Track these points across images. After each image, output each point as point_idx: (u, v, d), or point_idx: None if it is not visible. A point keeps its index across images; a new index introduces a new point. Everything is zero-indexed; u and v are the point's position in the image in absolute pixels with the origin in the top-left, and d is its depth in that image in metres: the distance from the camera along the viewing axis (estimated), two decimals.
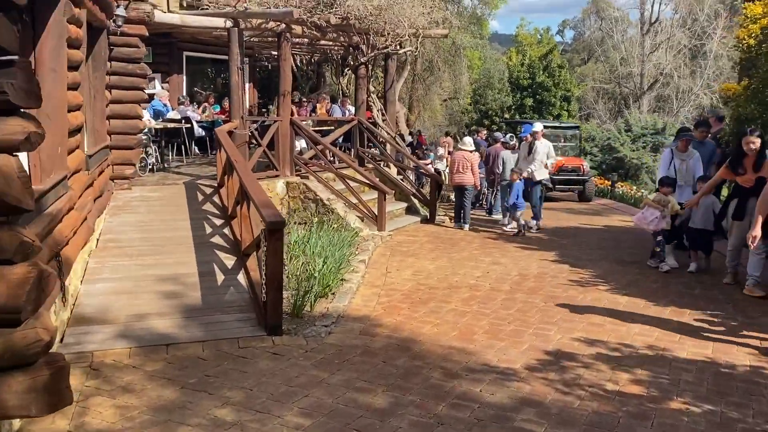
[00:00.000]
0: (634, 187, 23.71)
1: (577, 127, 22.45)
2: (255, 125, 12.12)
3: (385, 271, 8.57)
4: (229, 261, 7.55)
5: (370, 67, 13.53)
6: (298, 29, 11.42)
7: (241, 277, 7.07)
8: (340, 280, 7.64)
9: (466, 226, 12.49)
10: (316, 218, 10.58)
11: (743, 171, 7.80)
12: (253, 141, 11.52)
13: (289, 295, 6.69)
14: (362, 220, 11.27)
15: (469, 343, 5.84)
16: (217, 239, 8.29)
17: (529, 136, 12.94)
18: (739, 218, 7.90)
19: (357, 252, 9.36)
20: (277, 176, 11.39)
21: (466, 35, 31.05)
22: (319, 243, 8.46)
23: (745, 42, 10.53)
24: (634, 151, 31.02)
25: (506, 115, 38.63)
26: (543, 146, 11.91)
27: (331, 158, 12.73)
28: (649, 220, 8.89)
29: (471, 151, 12.55)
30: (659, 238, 8.96)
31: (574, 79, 43.60)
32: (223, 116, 13.84)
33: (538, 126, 12.43)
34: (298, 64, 19.50)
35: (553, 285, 8.05)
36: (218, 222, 8.91)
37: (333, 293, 7.21)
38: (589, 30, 66.25)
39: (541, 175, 11.98)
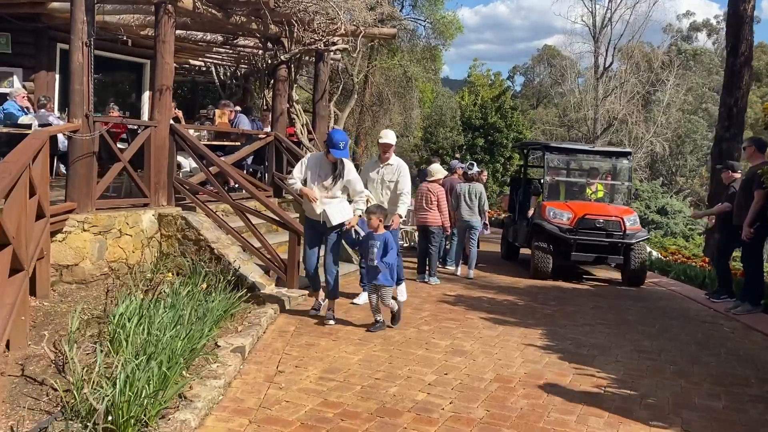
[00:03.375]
0: None
1: (628, 155, 11.46)
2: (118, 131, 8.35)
3: (274, 370, 4.87)
4: None
5: (293, 68, 9.92)
6: (187, 1, 7.81)
7: None
8: (178, 397, 3.91)
9: (433, 280, 8.96)
10: (207, 268, 6.89)
11: None
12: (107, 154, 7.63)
13: None
14: (269, 273, 7.60)
15: None
16: None
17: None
18: None
19: (239, 328, 5.67)
20: (145, 205, 7.62)
21: (418, 68, 27.98)
22: (164, 317, 4.75)
23: None
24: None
25: (457, 155, 35.80)
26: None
27: (234, 185, 9.04)
28: None
29: (438, 182, 9.08)
30: None
31: (526, 121, 41.30)
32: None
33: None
34: (221, 77, 15.90)
35: (558, 407, 4.47)
36: None
37: None
38: (539, 77, 65.02)
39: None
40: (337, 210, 6.21)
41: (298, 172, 6.38)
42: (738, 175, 8.69)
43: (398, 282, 6.98)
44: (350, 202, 6.53)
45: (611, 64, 38.48)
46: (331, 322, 6.27)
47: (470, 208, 9.91)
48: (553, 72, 55.38)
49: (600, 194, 11.40)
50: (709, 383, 5.18)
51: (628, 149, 12.84)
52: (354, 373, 4.89)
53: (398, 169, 7.40)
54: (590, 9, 38.73)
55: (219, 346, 5.03)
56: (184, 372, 4.21)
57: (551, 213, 10.18)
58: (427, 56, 28.89)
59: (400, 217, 7.29)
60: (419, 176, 13.74)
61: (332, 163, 6.29)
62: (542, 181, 11.15)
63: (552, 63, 55.57)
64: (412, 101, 27.66)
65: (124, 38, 9.90)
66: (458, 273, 9.98)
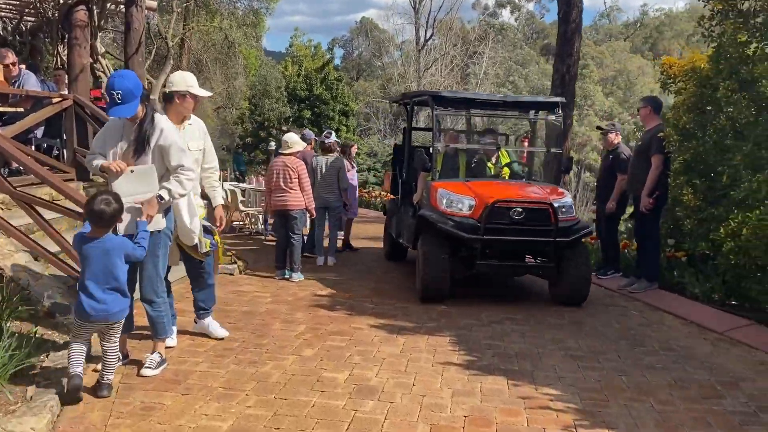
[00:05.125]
0: None
1: (556, 106, 7.45)
2: None
3: None
4: None
5: (95, 12, 7.45)
6: None
7: None
8: None
9: (296, 276, 7.16)
10: None
11: None
12: None
13: None
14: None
15: None
16: None
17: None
18: None
19: (29, 392, 3.54)
20: None
21: (239, 33, 25.41)
22: None
23: None
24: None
25: (284, 127, 33.74)
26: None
27: (17, 167, 6.54)
28: None
29: (296, 155, 7.24)
30: None
31: (352, 93, 40.11)
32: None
33: None
34: (0, 32, 12.57)
35: None
36: None
37: None
38: (357, 49, 64.18)
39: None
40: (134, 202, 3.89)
41: (98, 141, 4.12)
42: (619, 138, 7.85)
43: (202, 312, 4.98)
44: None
45: (431, 36, 38.38)
46: (155, 371, 4.11)
47: (328, 185, 8.23)
48: (372, 45, 54.89)
49: (515, 168, 7.87)
50: (679, 400, 4.03)
51: (557, 98, 7.98)
52: None
53: (202, 130, 4.87)
54: None
55: None
56: None
57: (444, 199, 6.46)
58: (248, 21, 26.37)
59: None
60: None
61: (138, 125, 3.98)
62: (431, 150, 7.20)
63: (371, 36, 55.00)
64: (236, 69, 25.13)
65: None
66: (321, 263, 8.30)
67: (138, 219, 3.87)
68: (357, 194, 10.04)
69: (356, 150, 10.09)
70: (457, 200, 6.44)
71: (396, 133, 37.50)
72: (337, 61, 63.39)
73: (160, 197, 3.96)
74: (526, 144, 8.00)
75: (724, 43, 6.11)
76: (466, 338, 5.22)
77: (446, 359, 4.66)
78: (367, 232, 11.40)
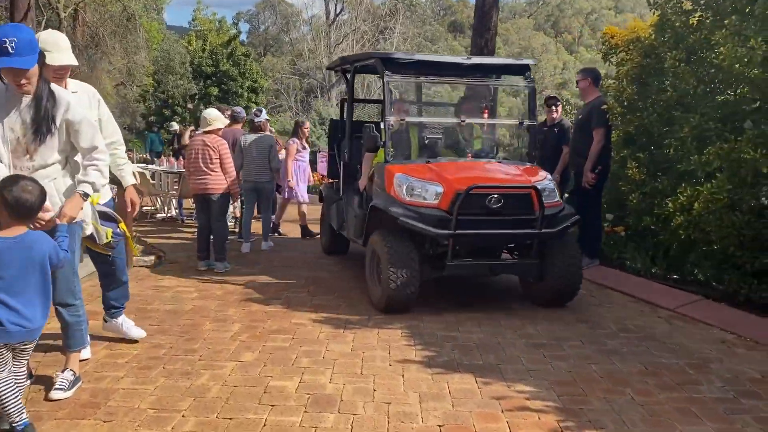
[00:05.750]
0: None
1: (526, 70, 6.13)
2: None
3: None
4: None
5: None
6: None
7: None
8: None
9: (222, 266, 6.61)
10: None
11: None
12: None
13: None
14: None
15: None
16: None
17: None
18: None
19: None
20: None
21: (139, 4, 23.72)
22: None
23: None
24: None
25: (189, 105, 32.09)
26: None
27: None
28: None
29: (218, 132, 6.51)
30: None
31: (260, 69, 38.72)
32: None
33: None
34: None
35: None
36: None
37: None
38: (264, 24, 62.08)
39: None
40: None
41: None
42: (558, 114, 7.62)
43: (114, 310, 4.32)
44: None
45: (341, 11, 37.57)
46: (67, 393, 3.39)
47: (258, 165, 7.56)
48: (279, 20, 53.23)
49: (478, 144, 6.53)
50: (657, 389, 3.76)
51: (527, 59, 6.72)
52: None
53: (93, 97, 3.92)
54: None
55: None
56: None
57: (405, 186, 5.25)
58: None
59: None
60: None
61: (35, 101, 3.15)
62: (383, 125, 5.89)
63: (278, 10, 53.30)
64: (137, 43, 23.44)
65: None
66: (246, 249, 7.64)
67: (57, 221, 3.13)
68: (309, 177, 9.28)
69: (308, 129, 9.23)
70: (420, 187, 5.20)
71: (307, 111, 36.61)
72: (243, 37, 61.19)
73: (85, 194, 3.25)
74: (487, 115, 6.57)
75: (668, 11, 5.91)
76: (419, 330, 4.79)
77: (403, 356, 4.21)
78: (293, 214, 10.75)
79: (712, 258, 5.66)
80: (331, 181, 7.68)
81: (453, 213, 4.96)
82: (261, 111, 7.79)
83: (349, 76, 7.05)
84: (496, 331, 4.80)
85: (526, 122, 6.13)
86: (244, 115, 8.72)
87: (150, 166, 11.30)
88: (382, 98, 6.24)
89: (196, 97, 31.84)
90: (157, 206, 10.75)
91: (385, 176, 5.45)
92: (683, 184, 5.61)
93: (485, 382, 3.80)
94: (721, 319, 5.17)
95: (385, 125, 5.74)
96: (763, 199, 5.28)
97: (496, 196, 5.09)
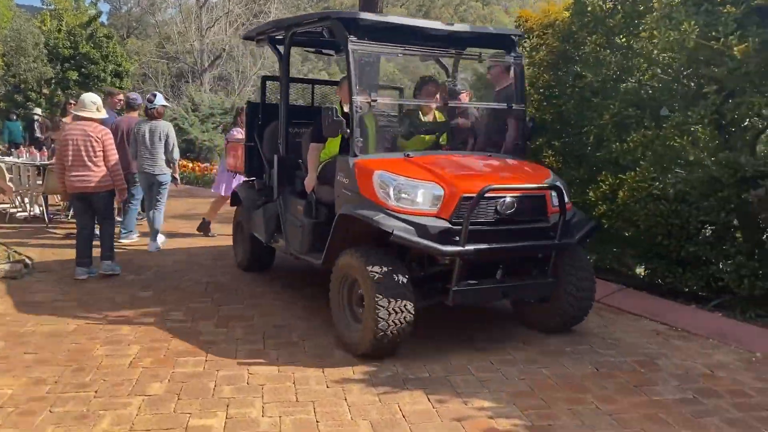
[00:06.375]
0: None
1: (512, 45, 4.93)
2: None
3: None
4: None
5: None
6: None
7: None
8: None
9: (109, 268, 5.78)
10: None
11: None
12: None
13: None
14: None
15: None
16: None
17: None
18: None
19: None
20: None
21: None
22: None
23: None
24: (204, 132, 25.82)
25: (45, 90, 29.20)
26: None
27: None
28: None
29: (98, 121, 5.56)
30: None
31: (125, 52, 35.99)
32: None
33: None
34: None
35: None
36: None
37: None
38: (127, 5, 57.95)
39: None
40: None
41: None
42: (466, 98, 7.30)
43: None
44: None
45: None
46: None
47: (152, 156, 6.65)
48: (143, 1, 49.83)
49: (451, 135, 5.29)
50: (617, 394, 3.53)
51: (514, 30, 5.86)
52: None
53: None
54: None
55: None
56: None
57: (391, 188, 4.00)
58: None
59: None
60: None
61: None
62: (351, 109, 4.27)
63: None
64: None
65: None
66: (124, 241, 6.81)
67: None
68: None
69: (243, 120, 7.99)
70: (412, 189, 3.96)
71: (178, 97, 34.47)
72: (103, 18, 56.73)
73: None
74: (465, 98, 5.39)
75: None
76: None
77: (341, 375, 3.69)
78: (177, 209, 9.80)
79: (634, 247, 5.59)
80: (248, 180, 6.14)
81: (462, 223, 3.81)
82: (155, 95, 6.82)
83: (283, 47, 5.28)
84: (434, 336, 4.39)
85: (515, 106, 4.95)
86: (141, 101, 7.61)
87: (7, 159, 9.86)
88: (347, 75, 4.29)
89: (53, 81, 29.06)
90: (17, 204, 9.39)
91: (358, 175, 4.15)
92: (603, 172, 5.49)
93: (439, 399, 3.37)
94: (647, 309, 5.11)
95: (352, 109, 4.24)
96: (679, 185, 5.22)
97: (508, 199, 3.99)
